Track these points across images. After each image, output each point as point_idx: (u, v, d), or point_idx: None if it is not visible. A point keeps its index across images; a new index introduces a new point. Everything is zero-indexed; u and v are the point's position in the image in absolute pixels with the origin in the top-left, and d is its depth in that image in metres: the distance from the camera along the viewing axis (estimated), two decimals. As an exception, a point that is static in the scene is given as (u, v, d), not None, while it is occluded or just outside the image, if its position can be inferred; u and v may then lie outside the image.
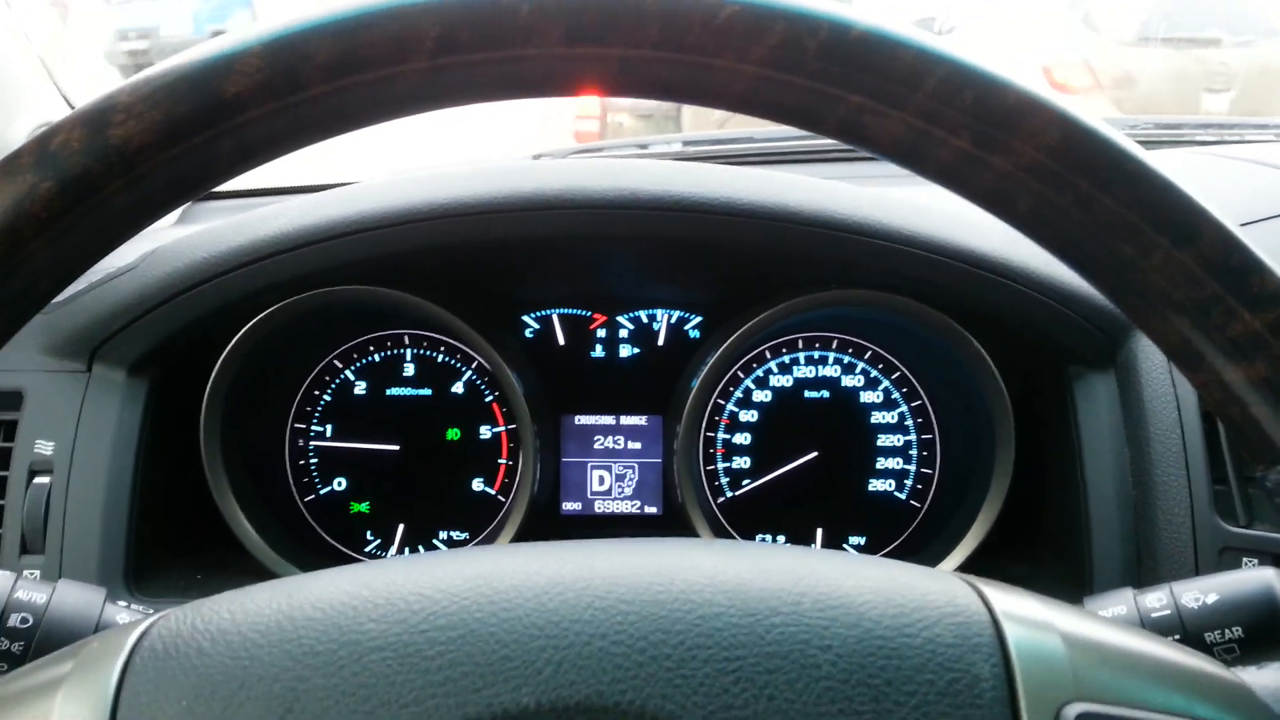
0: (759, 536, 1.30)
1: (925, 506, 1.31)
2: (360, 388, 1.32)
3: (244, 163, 0.49)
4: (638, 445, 1.35)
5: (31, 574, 0.76)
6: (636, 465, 1.35)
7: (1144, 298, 0.48)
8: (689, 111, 6.43)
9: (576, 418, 1.35)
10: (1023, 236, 1.08)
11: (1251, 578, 0.71)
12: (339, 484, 1.32)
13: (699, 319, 1.35)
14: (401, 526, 1.32)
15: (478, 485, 1.32)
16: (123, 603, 0.76)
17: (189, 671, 0.45)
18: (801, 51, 0.46)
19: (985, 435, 1.19)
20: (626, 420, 1.35)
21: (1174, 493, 1.00)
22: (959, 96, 0.46)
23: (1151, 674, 0.46)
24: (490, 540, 1.28)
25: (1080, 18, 7.02)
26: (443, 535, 1.32)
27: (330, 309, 1.16)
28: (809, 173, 1.23)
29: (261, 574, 1.14)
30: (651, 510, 1.36)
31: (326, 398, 1.31)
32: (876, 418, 1.31)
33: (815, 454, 1.31)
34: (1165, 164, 0.47)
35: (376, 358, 1.32)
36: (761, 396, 1.32)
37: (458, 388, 1.32)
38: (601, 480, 1.35)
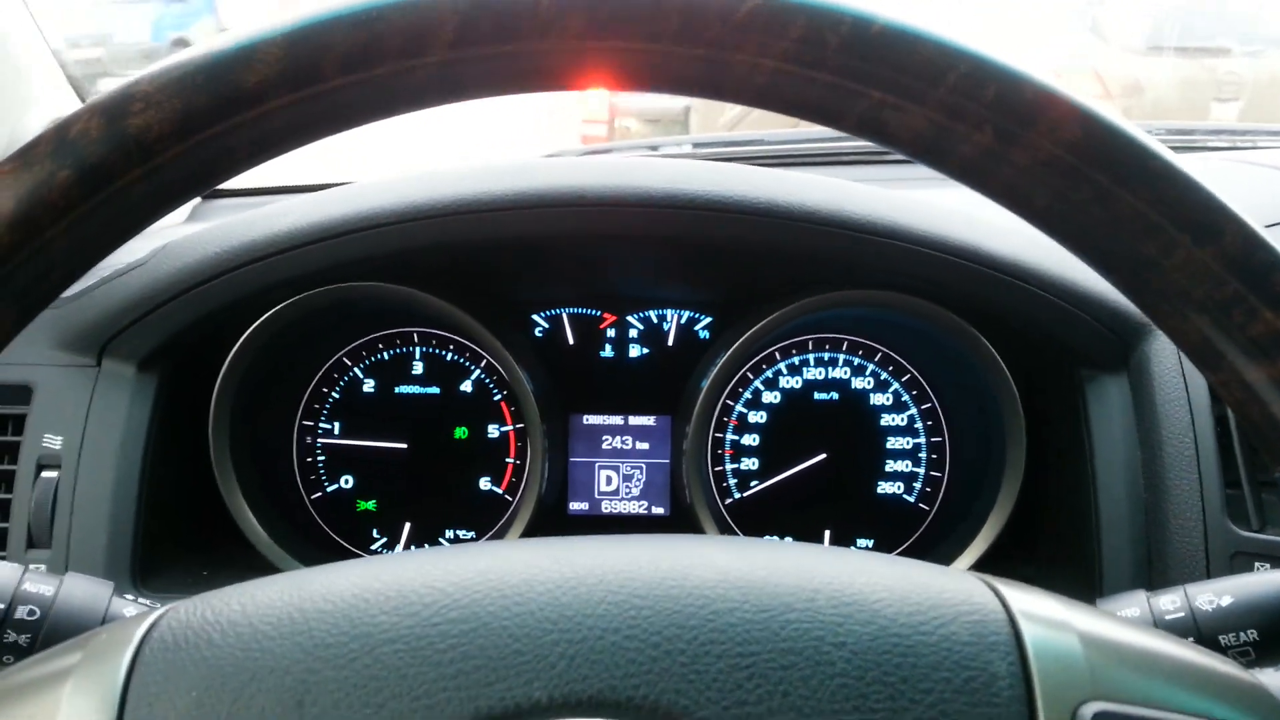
0: (767, 538, 1.30)
1: (934, 509, 1.30)
2: (369, 385, 1.32)
3: (262, 154, 0.49)
4: (646, 446, 1.35)
5: (38, 568, 0.75)
6: (644, 466, 1.35)
7: (1164, 296, 0.47)
8: (697, 116, 6.43)
9: (585, 417, 1.35)
10: (1035, 239, 1.08)
11: (1267, 580, 0.70)
12: (346, 481, 1.31)
13: (709, 319, 1.34)
14: (408, 525, 1.32)
15: (485, 484, 1.32)
16: (130, 597, 0.76)
17: (199, 663, 0.45)
18: (823, 46, 0.46)
19: (995, 437, 1.19)
20: (635, 420, 1.35)
21: (1186, 496, 1.00)
22: (981, 91, 0.46)
23: (1169, 674, 0.46)
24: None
25: (1088, 26, 7.02)
26: (449, 534, 1.32)
27: (340, 306, 1.16)
28: (820, 175, 1.22)
29: (267, 571, 1.13)
30: (659, 511, 1.35)
31: (335, 395, 1.31)
32: (886, 420, 1.31)
33: (824, 456, 1.31)
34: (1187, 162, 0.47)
35: (385, 355, 1.31)
36: (771, 398, 1.31)
37: (466, 386, 1.32)
38: (609, 480, 1.35)
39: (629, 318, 1.35)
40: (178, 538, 1.16)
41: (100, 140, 0.45)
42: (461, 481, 1.32)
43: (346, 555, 1.27)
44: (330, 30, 0.45)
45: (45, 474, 1.08)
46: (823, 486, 1.31)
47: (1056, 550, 1.17)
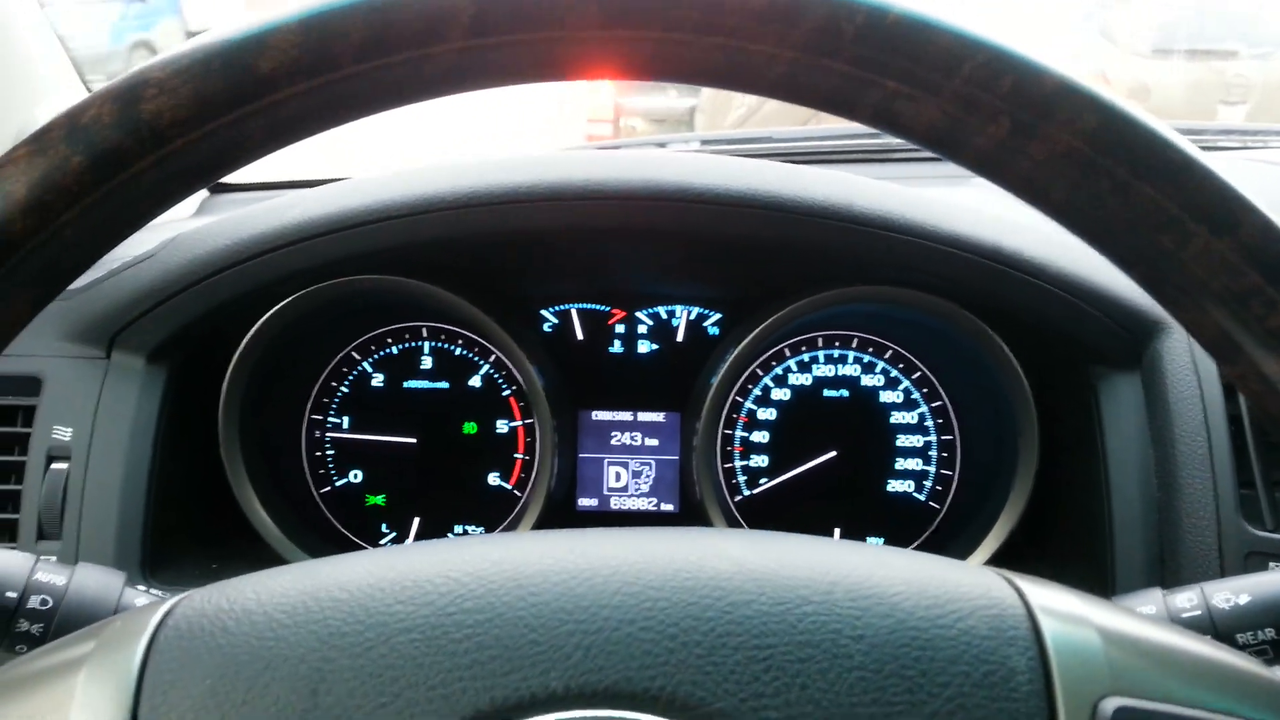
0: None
1: (944, 508, 1.30)
2: (378, 380, 1.31)
3: (274, 141, 0.49)
4: (655, 442, 1.34)
5: (49, 559, 0.75)
6: (653, 462, 1.34)
7: (1181, 288, 0.47)
8: (702, 116, 6.43)
9: (594, 413, 1.35)
10: (1047, 235, 1.07)
11: (1284, 579, 0.70)
12: (355, 476, 1.31)
13: (718, 315, 1.34)
14: (417, 520, 1.31)
15: (494, 480, 1.32)
16: (142, 587, 0.76)
17: (214, 651, 0.45)
18: (839, 36, 0.45)
19: (1007, 436, 1.18)
20: (644, 417, 1.35)
21: (1199, 495, 0.99)
22: (997, 82, 0.45)
23: (1189, 671, 0.46)
24: (506, 536, 1.28)
25: (1097, 29, 7.00)
26: (458, 529, 1.32)
27: (350, 299, 1.16)
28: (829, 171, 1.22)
29: (277, 564, 1.14)
30: (668, 508, 1.35)
31: (344, 389, 1.31)
32: (896, 418, 1.30)
33: (834, 453, 1.30)
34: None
35: (394, 350, 1.31)
36: (780, 395, 1.31)
37: (475, 381, 1.31)
38: (618, 476, 1.35)
39: (638, 314, 1.35)
40: (187, 530, 1.16)
41: (113, 125, 0.45)
42: (470, 477, 1.32)
43: (355, 550, 1.27)
44: (346, 17, 0.45)
45: (55, 466, 1.08)
46: (832, 484, 1.31)
47: (1068, 549, 1.16)
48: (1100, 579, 1.07)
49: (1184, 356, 1.05)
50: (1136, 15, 7.13)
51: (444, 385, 1.31)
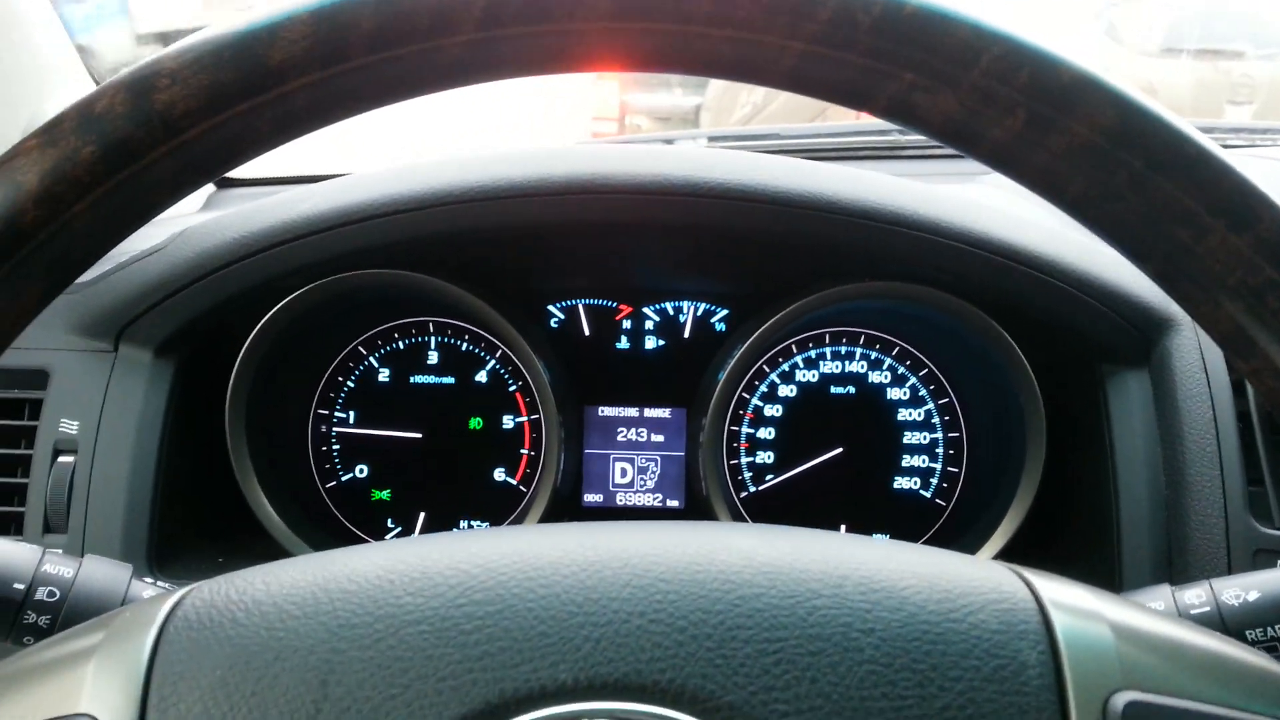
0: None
1: (951, 505, 1.30)
2: (384, 374, 1.31)
3: (285, 132, 0.48)
4: (661, 438, 1.34)
5: (56, 552, 0.75)
6: (659, 458, 1.34)
7: (1197, 282, 0.47)
8: (708, 115, 6.42)
9: (600, 409, 1.35)
10: (1057, 232, 1.07)
11: (1293, 576, 0.70)
12: (361, 470, 1.31)
13: (725, 311, 1.34)
14: (422, 515, 1.31)
15: (499, 475, 1.32)
16: (149, 580, 0.76)
17: (223, 642, 0.45)
18: (854, 27, 0.45)
19: (1015, 433, 1.18)
20: (650, 413, 1.34)
21: (1208, 493, 0.99)
22: (1014, 74, 0.45)
23: (1201, 666, 0.46)
24: (511, 531, 1.28)
25: (1104, 30, 6.98)
26: (463, 524, 1.32)
27: (358, 293, 1.16)
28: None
29: (283, 558, 1.14)
30: (673, 504, 1.35)
31: (350, 384, 1.31)
32: (903, 415, 1.30)
33: (840, 450, 1.30)
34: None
35: (401, 345, 1.31)
36: (787, 391, 1.31)
37: (481, 377, 1.31)
38: (624, 472, 1.34)
39: (645, 309, 1.34)
40: (193, 525, 1.16)
41: (125, 116, 0.44)
42: (476, 472, 1.32)
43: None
44: (358, 8, 0.45)
45: (62, 459, 1.08)
46: (838, 481, 1.30)
47: (1076, 546, 1.16)
48: (1108, 576, 1.06)
49: (1193, 354, 1.05)
50: (1144, 15, 7.12)
51: (450, 380, 1.31)
